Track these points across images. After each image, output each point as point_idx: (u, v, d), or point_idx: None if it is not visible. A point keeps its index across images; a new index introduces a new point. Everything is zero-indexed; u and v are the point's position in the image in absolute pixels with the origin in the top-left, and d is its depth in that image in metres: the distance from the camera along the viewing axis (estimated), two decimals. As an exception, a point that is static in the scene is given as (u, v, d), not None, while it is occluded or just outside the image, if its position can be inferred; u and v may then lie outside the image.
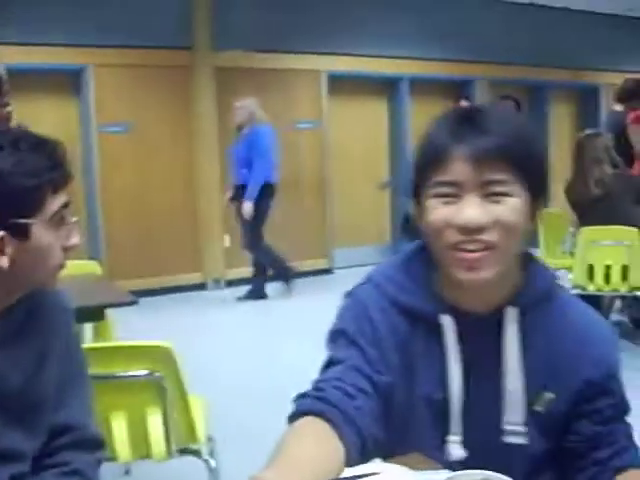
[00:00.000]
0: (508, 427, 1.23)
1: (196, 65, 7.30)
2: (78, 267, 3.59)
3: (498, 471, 1.03)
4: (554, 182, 5.08)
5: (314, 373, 1.27)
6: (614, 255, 4.53)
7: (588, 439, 1.23)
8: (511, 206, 1.14)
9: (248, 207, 6.44)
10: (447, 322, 1.22)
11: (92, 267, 3.62)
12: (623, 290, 4.62)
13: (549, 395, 1.23)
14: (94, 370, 2.05)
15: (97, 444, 1.45)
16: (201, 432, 2.26)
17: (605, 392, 1.25)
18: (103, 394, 2.08)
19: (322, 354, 1.29)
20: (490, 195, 1.13)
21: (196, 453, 2.29)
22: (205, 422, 2.36)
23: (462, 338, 1.22)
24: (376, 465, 1.08)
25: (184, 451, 2.26)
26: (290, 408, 1.16)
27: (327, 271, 8.15)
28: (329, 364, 1.24)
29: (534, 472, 1.26)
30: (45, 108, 6.75)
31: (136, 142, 7.12)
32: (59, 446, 1.39)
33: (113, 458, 2.17)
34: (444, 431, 1.24)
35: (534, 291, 1.24)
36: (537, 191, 1.18)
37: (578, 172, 4.88)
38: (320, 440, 1.07)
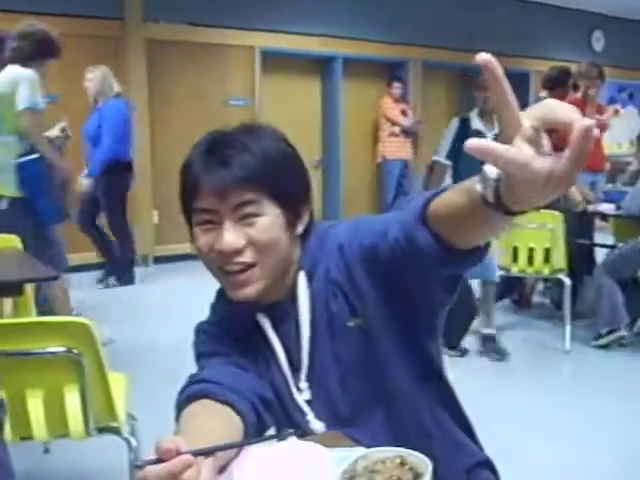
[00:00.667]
0: (302, 384, 1.34)
1: (127, 37, 7.13)
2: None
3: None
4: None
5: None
6: (537, 238, 4.63)
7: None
8: (262, 225, 1.24)
9: (85, 182, 5.94)
10: (262, 319, 1.35)
11: (13, 241, 3.51)
12: (545, 272, 4.74)
13: (353, 310, 1.31)
14: (10, 346, 2.00)
15: None
16: (121, 410, 2.22)
17: (372, 249, 1.25)
18: (19, 371, 2.03)
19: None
20: (243, 218, 1.24)
21: (116, 431, 2.24)
22: (126, 400, 2.33)
23: (277, 325, 1.35)
24: (292, 443, 1.08)
25: (104, 430, 2.22)
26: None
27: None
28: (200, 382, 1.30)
29: (407, 350, 1.32)
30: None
31: (63, 114, 6.90)
32: None
33: (30, 437, 2.12)
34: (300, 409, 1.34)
35: (311, 250, 1.35)
36: (289, 203, 1.28)
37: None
38: (211, 413, 1.16)
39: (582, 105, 5.54)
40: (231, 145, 1.25)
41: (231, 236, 1.23)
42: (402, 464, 1.01)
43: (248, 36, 7.87)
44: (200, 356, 1.38)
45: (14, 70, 4.12)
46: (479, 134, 4.45)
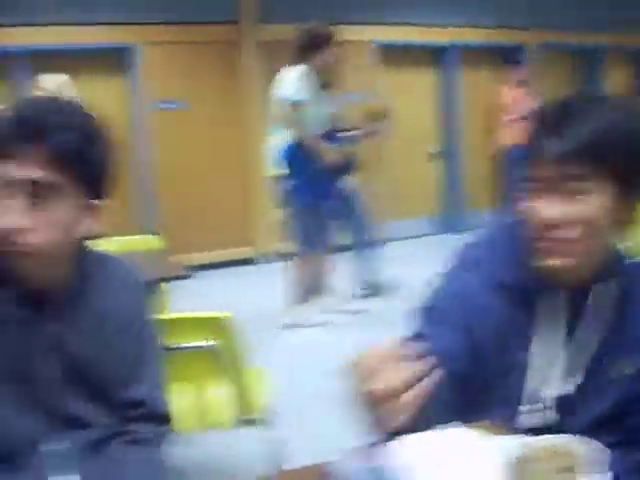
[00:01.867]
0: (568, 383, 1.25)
1: (243, 39, 7.25)
2: (140, 243, 3.64)
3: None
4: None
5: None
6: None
7: None
8: (591, 203, 1.14)
9: None
10: (542, 295, 1.25)
11: (154, 242, 3.66)
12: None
13: (627, 362, 1.24)
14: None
15: (165, 419, 1.47)
16: (263, 403, 2.26)
17: None
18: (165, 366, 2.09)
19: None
20: (572, 193, 1.14)
21: (257, 424, 2.28)
22: (267, 393, 2.36)
23: (552, 311, 1.25)
24: (452, 430, 1.05)
25: (246, 422, 2.27)
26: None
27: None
28: (415, 338, 1.25)
29: (593, 431, 1.23)
30: (94, 87, 6.73)
31: (186, 119, 7.12)
32: (128, 418, 1.40)
33: (174, 429, 2.18)
34: (519, 399, 1.27)
35: (621, 267, 1.27)
36: (628, 183, 1.16)
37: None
38: None
39: None
40: (570, 113, 1.18)
41: (554, 209, 1.15)
42: (568, 453, 0.97)
43: (363, 31, 7.85)
44: (434, 309, 1.30)
45: (288, 71, 4.91)
46: None
